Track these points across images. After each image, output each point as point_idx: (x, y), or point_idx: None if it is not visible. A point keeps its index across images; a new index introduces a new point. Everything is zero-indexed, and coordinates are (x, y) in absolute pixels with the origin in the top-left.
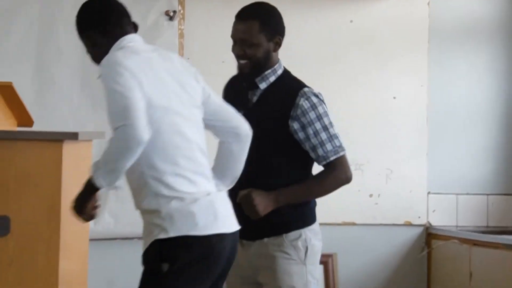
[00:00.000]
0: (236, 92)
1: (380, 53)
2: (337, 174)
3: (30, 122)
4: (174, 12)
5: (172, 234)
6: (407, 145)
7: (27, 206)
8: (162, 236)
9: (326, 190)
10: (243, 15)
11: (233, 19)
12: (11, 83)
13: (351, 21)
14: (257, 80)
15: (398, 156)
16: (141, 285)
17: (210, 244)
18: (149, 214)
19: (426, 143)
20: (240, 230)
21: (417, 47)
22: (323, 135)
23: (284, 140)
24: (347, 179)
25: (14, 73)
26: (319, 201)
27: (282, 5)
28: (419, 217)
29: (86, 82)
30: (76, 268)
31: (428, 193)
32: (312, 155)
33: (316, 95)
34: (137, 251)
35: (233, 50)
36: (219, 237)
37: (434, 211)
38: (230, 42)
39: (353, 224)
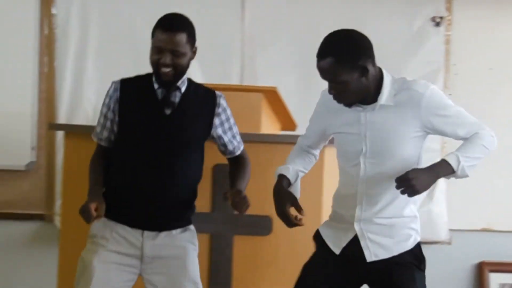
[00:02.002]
0: (145, 95)
1: None
2: (248, 158)
3: (293, 126)
4: (441, 18)
5: (419, 238)
6: None
7: None
8: (419, 239)
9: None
10: (173, 28)
11: (502, 25)
12: (275, 88)
13: None
14: (178, 84)
15: None
16: (408, 282)
17: None
18: (408, 219)
19: None
20: (146, 222)
21: None
22: (235, 129)
23: (204, 136)
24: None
25: (279, 78)
26: None
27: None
28: None
29: None
30: None
31: None
32: (229, 146)
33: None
34: None
35: (159, 59)
36: None
37: None
38: (499, 49)
39: None
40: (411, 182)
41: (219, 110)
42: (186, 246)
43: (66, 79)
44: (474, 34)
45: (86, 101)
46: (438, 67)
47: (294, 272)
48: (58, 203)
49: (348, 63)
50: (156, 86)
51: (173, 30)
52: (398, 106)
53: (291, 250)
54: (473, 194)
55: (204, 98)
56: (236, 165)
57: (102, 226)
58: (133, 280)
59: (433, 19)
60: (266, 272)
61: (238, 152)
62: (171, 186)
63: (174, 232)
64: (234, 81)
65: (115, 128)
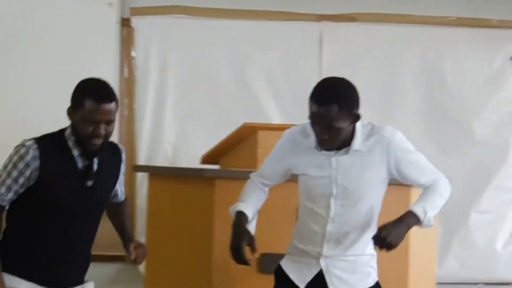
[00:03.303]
0: (66, 164)
1: None
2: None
3: None
4: None
5: (377, 277)
6: None
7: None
8: (377, 278)
9: None
10: (107, 98)
11: None
12: None
13: None
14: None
15: None
16: None
17: None
18: (368, 258)
19: None
20: (70, 282)
21: None
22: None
23: None
24: None
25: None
26: None
27: None
28: None
29: (429, 126)
30: None
31: None
32: (120, 194)
33: None
34: None
35: (93, 130)
36: None
37: None
38: None
39: None
40: (387, 241)
41: (122, 165)
42: None
43: (145, 121)
44: None
45: (165, 142)
46: None
47: None
48: None
49: (348, 112)
50: (75, 153)
51: (108, 100)
52: (368, 150)
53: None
54: None
55: (113, 157)
56: (121, 209)
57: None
58: None
59: None
60: None
61: (123, 198)
62: (86, 247)
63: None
64: None
65: (22, 191)
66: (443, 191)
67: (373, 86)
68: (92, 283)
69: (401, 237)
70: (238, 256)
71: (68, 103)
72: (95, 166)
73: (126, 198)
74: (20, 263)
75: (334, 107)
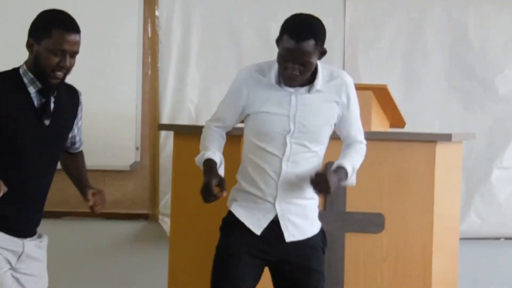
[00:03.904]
0: (21, 101)
1: None
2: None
3: (402, 123)
4: None
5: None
6: None
7: (400, 205)
8: (320, 224)
9: None
10: (76, 29)
11: None
12: (385, 85)
13: None
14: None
15: None
16: (322, 265)
17: None
18: (316, 202)
19: None
20: (28, 230)
21: None
22: (81, 124)
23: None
24: None
25: (383, 76)
26: None
27: None
28: None
29: (453, 83)
30: (447, 266)
31: None
32: (77, 143)
33: None
34: (503, 251)
35: (59, 62)
36: None
37: None
38: None
39: None
40: (328, 184)
41: (79, 108)
42: (45, 248)
43: (169, 80)
44: None
45: (188, 101)
46: None
47: (406, 269)
48: (162, 202)
49: (320, 47)
50: (32, 90)
51: (76, 31)
52: (328, 92)
53: (403, 247)
54: None
55: (69, 97)
56: (78, 160)
57: None
58: None
59: None
60: (378, 270)
61: (81, 147)
62: (45, 191)
63: (35, 236)
64: None
65: None
66: (363, 155)
67: (397, 44)
68: (46, 237)
69: (336, 188)
70: (208, 193)
71: (91, 62)
72: (52, 105)
73: (81, 150)
74: None
75: (311, 42)
